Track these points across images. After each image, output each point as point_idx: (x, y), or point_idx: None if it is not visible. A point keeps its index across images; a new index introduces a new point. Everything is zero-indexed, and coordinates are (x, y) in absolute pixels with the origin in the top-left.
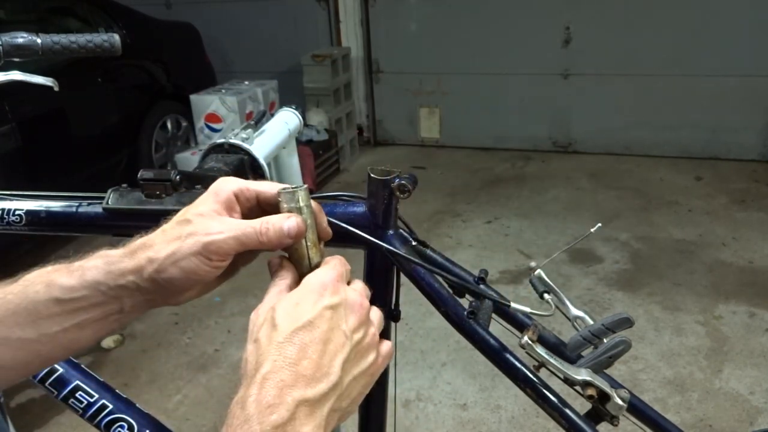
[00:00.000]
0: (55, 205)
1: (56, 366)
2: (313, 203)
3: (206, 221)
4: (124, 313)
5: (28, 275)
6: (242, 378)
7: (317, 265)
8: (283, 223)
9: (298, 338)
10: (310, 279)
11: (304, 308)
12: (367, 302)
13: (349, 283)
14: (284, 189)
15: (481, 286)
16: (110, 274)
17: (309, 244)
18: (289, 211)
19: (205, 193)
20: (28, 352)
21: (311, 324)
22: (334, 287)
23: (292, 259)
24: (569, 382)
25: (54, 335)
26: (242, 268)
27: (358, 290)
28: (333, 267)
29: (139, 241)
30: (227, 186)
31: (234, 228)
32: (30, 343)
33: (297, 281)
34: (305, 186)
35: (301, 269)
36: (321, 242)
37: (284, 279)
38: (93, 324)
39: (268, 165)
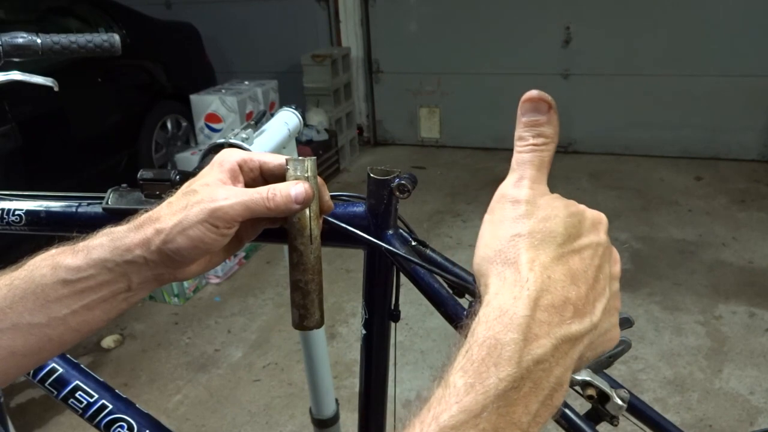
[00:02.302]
0: (55, 205)
1: (56, 366)
2: (319, 178)
3: (212, 190)
4: (132, 291)
5: (32, 259)
6: (485, 274)
7: (317, 239)
8: (291, 189)
9: (574, 262)
10: (583, 207)
11: (584, 229)
12: None
13: None
14: (292, 158)
15: None
16: (116, 250)
17: (312, 215)
18: (296, 179)
19: (209, 165)
20: (39, 337)
21: (583, 252)
22: (605, 230)
23: (293, 230)
24: (569, 382)
25: (63, 318)
26: (246, 272)
27: None
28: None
29: (144, 216)
30: (231, 156)
31: (241, 194)
32: (40, 328)
33: None
34: (314, 157)
35: (302, 240)
36: (321, 216)
37: (548, 147)
38: (101, 304)
39: None
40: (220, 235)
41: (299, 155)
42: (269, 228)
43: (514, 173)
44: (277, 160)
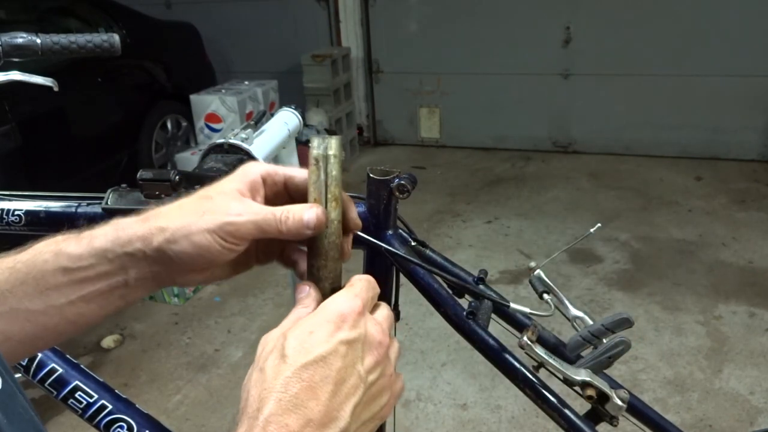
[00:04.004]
0: (55, 206)
1: (56, 366)
2: (345, 195)
3: (227, 200)
4: (130, 288)
5: (37, 244)
6: (242, 412)
7: (334, 222)
8: (304, 213)
9: (308, 375)
10: (328, 305)
11: (317, 339)
12: (387, 338)
13: (374, 310)
14: (317, 135)
15: (481, 287)
16: (118, 240)
17: (329, 196)
18: (316, 158)
19: (233, 173)
20: (35, 324)
21: (324, 360)
22: (354, 320)
23: (312, 254)
24: (568, 382)
25: (60, 308)
26: (246, 272)
27: (381, 323)
28: (357, 294)
29: (153, 211)
30: (255, 168)
31: (254, 212)
32: (37, 315)
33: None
34: (338, 135)
35: (324, 263)
36: (350, 235)
37: (306, 307)
38: (98, 297)
39: None
40: (226, 249)
41: (299, 155)
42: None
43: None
44: (303, 174)
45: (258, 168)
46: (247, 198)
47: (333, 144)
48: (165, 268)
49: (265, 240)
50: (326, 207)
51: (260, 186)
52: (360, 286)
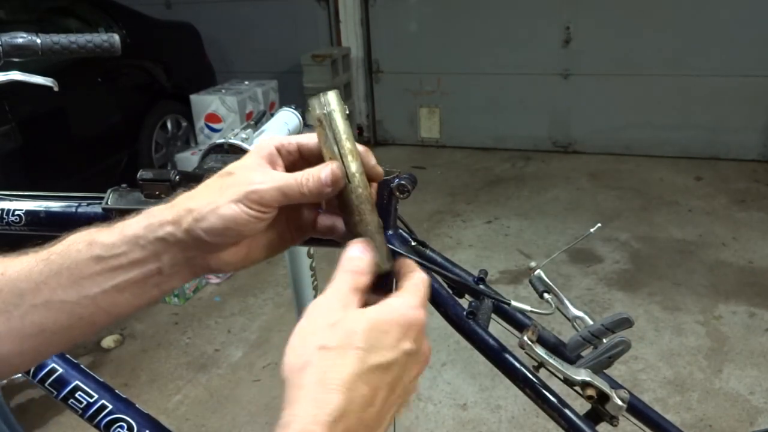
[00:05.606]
0: (55, 206)
1: (56, 366)
2: (360, 147)
3: (249, 172)
4: (164, 276)
5: (71, 236)
6: (291, 385)
7: (356, 176)
8: (321, 171)
9: (375, 378)
10: (401, 307)
11: (388, 342)
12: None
13: None
14: (314, 96)
15: (481, 286)
16: (149, 227)
17: (343, 151)
18: (319, 118)
19: (250, 151)
20: (69, 315)
21: (389, 367)
22: (418, 332)
23: (346, 213)
24: (569, 382)
25: (94, 297)
26: (245, 272)
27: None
28: (424, 304)
29: (181, 195)
30: (269, 142)
31: (276, 179)
32: (71, 306)
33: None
34: (335, 89)
35: (352, 210)
36: (374, 185)
37: (364, 275)
38: (132, 287)
39: None
40: (253, 218)
41: None
42: (316, 237)
43: (332, 285)
44: (314, 139)
45: (271, 141)
46: (267, 168)
47: (331, 99)
48: (198, 251)
49: (296, 214)
50: (343, 162)
51: (277, 157)
52: (424, 294)
